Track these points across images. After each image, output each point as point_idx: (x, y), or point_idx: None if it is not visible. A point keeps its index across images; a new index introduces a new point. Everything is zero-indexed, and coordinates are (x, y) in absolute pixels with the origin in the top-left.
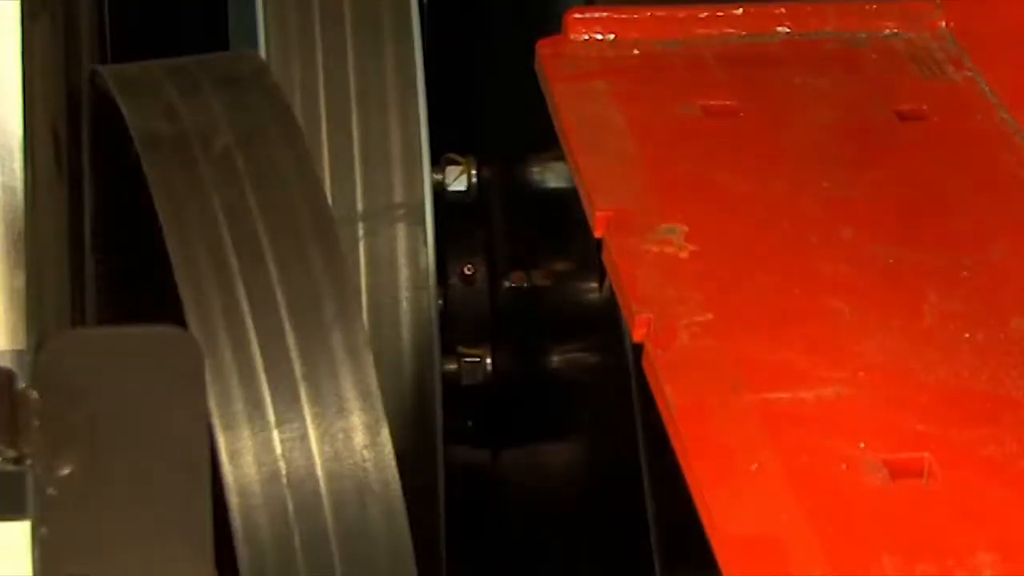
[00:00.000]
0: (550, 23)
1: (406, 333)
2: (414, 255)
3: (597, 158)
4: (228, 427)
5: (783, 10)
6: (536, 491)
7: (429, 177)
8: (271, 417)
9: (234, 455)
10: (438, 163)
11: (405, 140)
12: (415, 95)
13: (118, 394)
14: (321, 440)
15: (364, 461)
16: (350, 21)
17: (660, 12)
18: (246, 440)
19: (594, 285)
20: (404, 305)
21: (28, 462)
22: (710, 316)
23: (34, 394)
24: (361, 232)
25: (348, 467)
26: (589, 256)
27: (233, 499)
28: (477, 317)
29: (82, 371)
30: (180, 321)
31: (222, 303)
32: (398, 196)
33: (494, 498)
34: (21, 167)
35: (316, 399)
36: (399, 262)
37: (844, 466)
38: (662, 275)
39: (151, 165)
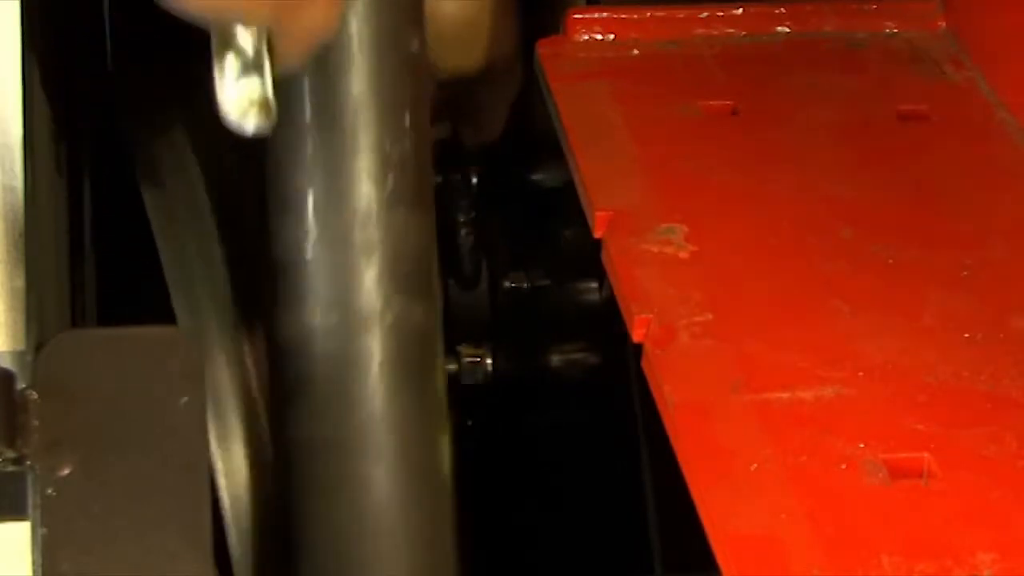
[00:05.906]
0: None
1: None
2: None
3: (597, 158)
4: (218, 416)
5: (783, 10)
6: (536, 490)
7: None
8: (260, 408)
9: (223, 440)
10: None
11: None
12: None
13: (117, 394)
14: None
15: None
16: None
17: (660, 12)
18: (234, 428)
19: (594, 285)
20: None
21: (28, 462)
22: (710, 316)
23: (34, 395)
24: None
25: None
26: (589, 256)
27: (222, 480)
28: (477, 317)
29: (82, 371)
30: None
31: (210, 294)
32: None
33: (495, 499)
34: (21, 167)
35: None
36: None
37: (844, 466)
38: (662, 275)
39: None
